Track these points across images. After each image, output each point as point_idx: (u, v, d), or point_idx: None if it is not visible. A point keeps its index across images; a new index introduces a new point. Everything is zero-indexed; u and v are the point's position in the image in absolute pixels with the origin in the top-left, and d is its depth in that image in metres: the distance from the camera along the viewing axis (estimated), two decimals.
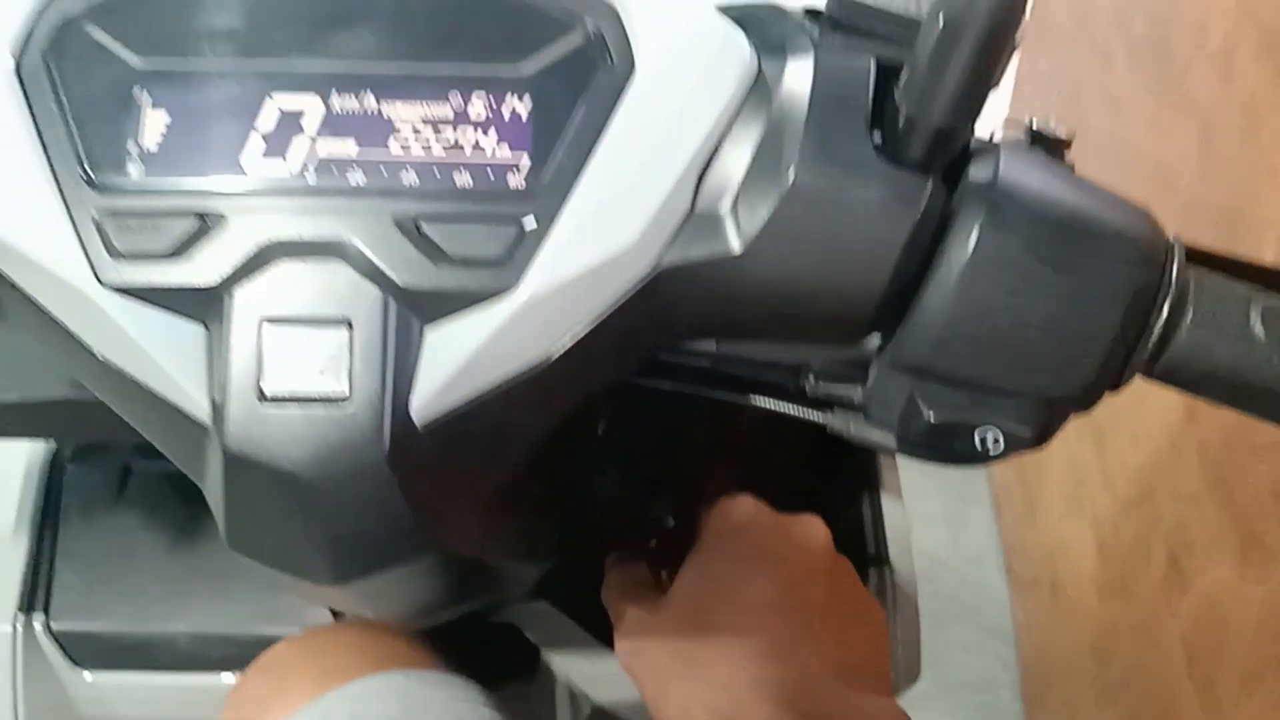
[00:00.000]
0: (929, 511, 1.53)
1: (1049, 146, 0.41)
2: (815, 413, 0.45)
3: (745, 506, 0.51)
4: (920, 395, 0.37)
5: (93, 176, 0.35)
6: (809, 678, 0.45)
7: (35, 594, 0.65)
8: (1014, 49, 0.33)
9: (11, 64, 0.35)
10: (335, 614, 0.62)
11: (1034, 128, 0.41)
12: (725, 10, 0.39)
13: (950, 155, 0.35)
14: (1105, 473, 1.07)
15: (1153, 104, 1.00)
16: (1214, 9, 0.90)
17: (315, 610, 0.62)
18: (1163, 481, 0.94)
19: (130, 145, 0.35)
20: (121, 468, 0.69)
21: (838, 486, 0.68)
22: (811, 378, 0.45)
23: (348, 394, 0.33)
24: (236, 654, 0.64)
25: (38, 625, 0.64)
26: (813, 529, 0.51)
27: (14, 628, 0.64)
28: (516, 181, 0.35)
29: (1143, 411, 1.01)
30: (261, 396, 0.33)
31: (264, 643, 0.60)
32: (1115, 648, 1.10)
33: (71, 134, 0.35)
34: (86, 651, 0.65)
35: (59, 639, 0.65)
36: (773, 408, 0.46)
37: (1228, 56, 0.87)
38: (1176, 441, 0.91)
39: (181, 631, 0.65)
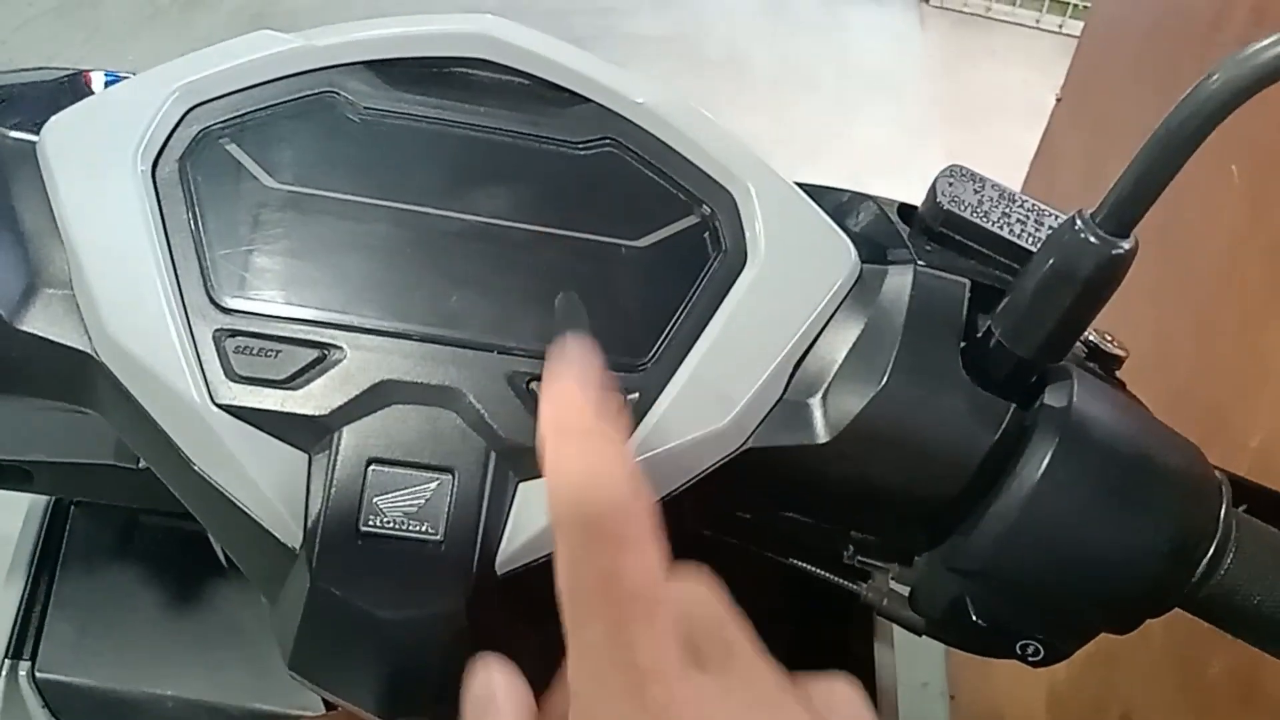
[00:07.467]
0: None
1: (1104, 363, 0.44)
2: (849, 583, 0.46)
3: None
4: (970, 597, 0.39)
5: (217, 295, 0.35)
6: None
7: (24, 640, 0.64)
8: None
9: (147, 167, 0.36)
10: (327, 704, 0.62)
11: (1092, 343, 0.44)
12: (815, 192, 0.41)
13: (1031, 380, 0.38)
14: None
15: (1155, 289, 1.02)
16: (1224, 206, 0.91)
17: (307, 693, 0.62)
18: (1125, 652, 0.96)
19: (256, 268, 0.36)
20: (127, 520, 0.69)
21: (838, 632, 0.69)
22: (851, 548, 0.46)
23: (441, 539, 0.34)
24: None
25: (22, 672, 0.63)
26: None
27: None
28: (626, 354, 0.36)
29: None
30: (357, 534, 0.34)
31: (250, 716, 0.60)
32: None
33: (200, 248, 0.35)
34: (69, 704, 0.64)
35: (41, 689, 0.64)
36: (808, 570, 0.48)
37: (1232, 255, 0.90)
38: None
39: (169, 695, 0.64)
